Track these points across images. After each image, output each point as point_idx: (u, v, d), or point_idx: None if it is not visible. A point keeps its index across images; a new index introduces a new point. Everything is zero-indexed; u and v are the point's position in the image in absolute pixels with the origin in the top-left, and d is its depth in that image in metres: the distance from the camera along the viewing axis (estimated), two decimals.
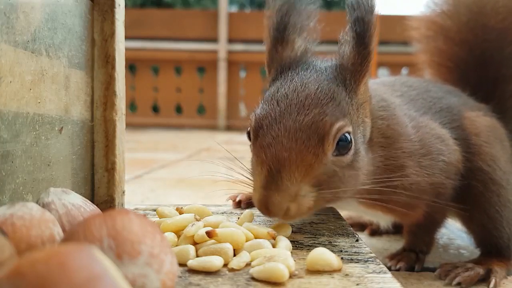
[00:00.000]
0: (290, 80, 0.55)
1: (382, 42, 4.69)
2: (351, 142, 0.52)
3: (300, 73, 0.56)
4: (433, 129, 0.66)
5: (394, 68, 4.58)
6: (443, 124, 0.68)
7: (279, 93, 0.54)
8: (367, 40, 0.53)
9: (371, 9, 0.52)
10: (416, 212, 0.66)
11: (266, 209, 0.49)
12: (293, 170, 0.49)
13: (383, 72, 4.79)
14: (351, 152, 0.53)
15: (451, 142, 0.66)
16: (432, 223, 0.70)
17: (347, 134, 0.52)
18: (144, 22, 4.86)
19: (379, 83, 0.75)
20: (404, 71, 4.43)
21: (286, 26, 0.58)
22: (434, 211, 0.66)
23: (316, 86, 0.52)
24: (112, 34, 0.64)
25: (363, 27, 0.52)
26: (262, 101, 0.55)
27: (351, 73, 0.54)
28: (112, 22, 0.64)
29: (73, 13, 0.59)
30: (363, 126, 0.56)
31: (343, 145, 0.51)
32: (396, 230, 0.90)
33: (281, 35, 0.58)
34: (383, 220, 0.75)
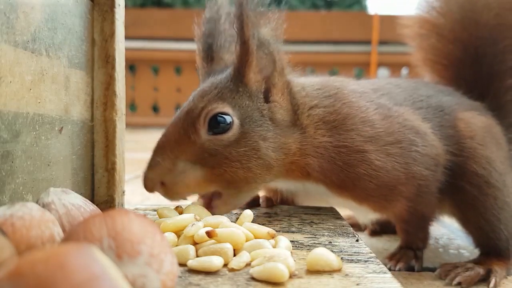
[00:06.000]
0: (203, 83, 0.63)
1: (382, 42, 4.70)
2: (230, 123, 0.57)
3: (212, 77, 0.62)
4: (407, 120, 0.65)
5: (394, 68, 4.57)
6: (429, 120, 0.67)
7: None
8: (242, 34, 0.57)
9: (240, 6, 0.57)
10: (395, 206, 0.65)
11: (144, 186, 0.58)
12: (165, 150, 0.57)
13: (383, 72, 4.78)
14: (232, 131, 0.57)
15: (430, 137, 0.65)
16: (420, 218, 0.68)
17: (225, 116, 0.57)
18: (144, 22, 4.85)
19: (365, 81, 0.76)
20: (404, 71, 4.42)
21: (211, 47, 0.66)
22: (419, 204, 0.65)
23: (210, 84, 0.60)
24: (112, 34, 0.64)
25: (238, 23, 0.57)
26: None
27: (235, 66, 0.59)
28: (112, 22, 0.64)
29: (73, 13, 0.59)
30: (270, 110, 0.60)
31: (219, 125, 0.57)
32: (381, 229, 0.90)
33: (207, 55, 0.66)
34: (361, 213, 0.73)
